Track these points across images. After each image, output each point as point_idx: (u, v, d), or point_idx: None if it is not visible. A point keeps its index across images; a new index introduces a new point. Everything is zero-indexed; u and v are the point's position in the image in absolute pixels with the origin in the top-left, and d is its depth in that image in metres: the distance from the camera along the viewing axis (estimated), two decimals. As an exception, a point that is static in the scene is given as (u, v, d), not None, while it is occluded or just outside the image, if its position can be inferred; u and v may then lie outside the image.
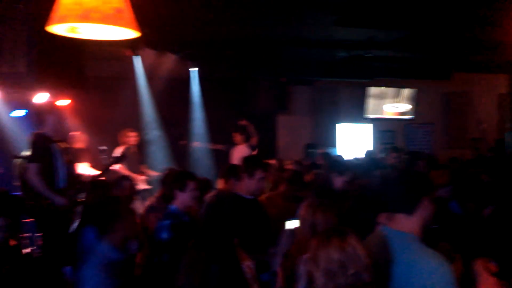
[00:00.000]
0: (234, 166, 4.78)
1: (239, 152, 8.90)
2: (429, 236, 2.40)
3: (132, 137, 7.87)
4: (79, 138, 7.52)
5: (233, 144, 9.04)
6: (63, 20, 2.44)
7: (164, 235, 3.44)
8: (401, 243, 2.30)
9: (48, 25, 2.62)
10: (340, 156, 7.62)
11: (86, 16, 2.36)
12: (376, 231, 2.53)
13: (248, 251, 3.11)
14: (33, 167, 4.61)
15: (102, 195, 3.85)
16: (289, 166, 7.38)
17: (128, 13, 2.56)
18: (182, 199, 3.65)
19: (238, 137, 9.13)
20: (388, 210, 3.01)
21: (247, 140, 9.02)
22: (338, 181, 4.51)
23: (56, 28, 2.65)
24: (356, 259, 2.03)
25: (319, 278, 2.06)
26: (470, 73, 11.56)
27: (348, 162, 6.57)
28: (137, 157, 7.94)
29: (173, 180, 3.73)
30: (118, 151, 7.65)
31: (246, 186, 3.99)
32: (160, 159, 8.84)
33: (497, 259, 2.52)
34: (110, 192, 4.00)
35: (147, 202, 5.24)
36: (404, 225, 2.34)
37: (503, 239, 2.53)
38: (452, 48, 8.71)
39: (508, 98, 10.87)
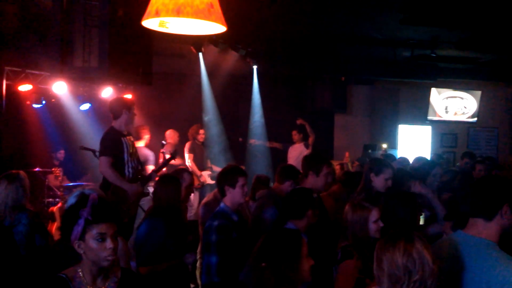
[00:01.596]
0: (290, 166, 4.79)
1: (296, 151, 8.94)
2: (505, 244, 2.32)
3: (201, 134, 8.09)
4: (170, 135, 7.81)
5: (290, 142, 9.06)
6: (157, 14, 2.50)
7: (213, 237, 3.44)
8: (477, 249, 2.24)
9: (143, 19, 2.68)
10: (404, 159, 7.38)
11: (179, 11, 2.41)
12: (449, 237, 2.47)
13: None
14: (105, 160, 4.82)
15: (173, 189, 3.92)
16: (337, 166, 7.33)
17: (218, 8, 2.60)
18: (232, 196, 3.63)
19: (296, 136, 9.15)
20: (451, 219, 2.93)
21: (304, 139, 9.03)
22: (378, 181, 4.26)
23: (149, 23, 2.71)
24: (422, 265, 1.98)
25: (385, 282, 2.04)
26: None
27: (405, 164, 6.35)
28: (203, 153, 8.13)
29: (223, 176, 3.71)
30: (186, 147, 7.88)
31: (313, 183, 4.01)
32: (220, 156, 8.97)
33: None
34: (180, 187, 4.07)
35: (204, 199, 5.34)
36: (482, 231, 2.27)
37: None
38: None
39: None
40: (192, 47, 7.59)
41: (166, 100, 9.08)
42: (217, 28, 2.78)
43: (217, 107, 9.26)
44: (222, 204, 3.64)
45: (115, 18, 5.46)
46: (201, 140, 8.13)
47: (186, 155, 7.91)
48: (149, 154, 7.50)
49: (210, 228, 3.48)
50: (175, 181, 4.01)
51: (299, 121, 9.04)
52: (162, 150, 6.52)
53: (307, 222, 3.43)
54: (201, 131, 8.14)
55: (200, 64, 8.67)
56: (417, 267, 1.97)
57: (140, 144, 7.46)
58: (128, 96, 7.37)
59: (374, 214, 3.04)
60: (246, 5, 6.09)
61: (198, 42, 7.48)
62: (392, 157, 7.07)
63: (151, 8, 2.51)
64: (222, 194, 3.66)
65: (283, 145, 9.18)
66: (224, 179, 3.65)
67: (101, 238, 2.07)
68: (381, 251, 2.07)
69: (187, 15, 2.44)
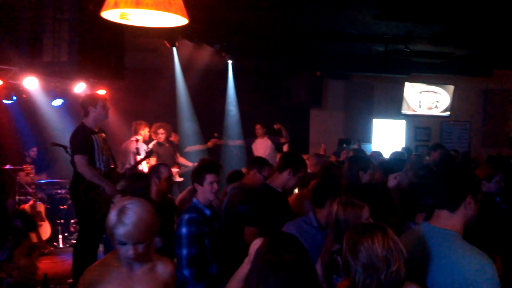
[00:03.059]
0: (259, 158, 4.94)
1: (262, 145, 8.97)
2: (469, 234, 2.36)
3: (160, 134, 7.90)
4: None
5: (253, 137, 9.11)
6: (116, 5, 2.46)
7: (183, 230, 3.46)
8: (442, 240, 2.28)
9: (102, 10, 2.64)
10: (377, 153, 7.49)
11: (138, 2, 2.38)
12: (415, 228, 2.51)
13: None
14: (81, 159, 4.78)
15: (140, 186, 3.90)
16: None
17: (179, 0, 2.56)
18: (202, 193, 3.65)
19: (259, 130, 9.17)
20: (423, 210, 2.98)
21: (268, 132, 9.09)
22: (364, 178, 4.42)
23: (108, 14, 2.67)
24: (399, 255, 2.00)
25: (358, 272, 2.03)
26: (510, 70, 11.23)
27: (379, 158, 6.46)
28: (170, 151, 8.01)
29: (192, 173, 3.73)
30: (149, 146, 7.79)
31: (286, 181, 4.06)
32: (195, 151, 8.91)
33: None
34: (149, 183, 4.06)
35: (179, 195, 5.33)
36: (446, 222, 2.31)
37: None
38: (493, 44, 8.46)
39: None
40: (166, 42, 7.50)
41: (140, 95, 9.00)
42: (179, 20, 2.75)
43: (192, 102, 9.20)
44: (195, 200, 3.67)
45: (85, 12, 5.36)
46: (162, 140, 7.90)
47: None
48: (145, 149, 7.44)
49: (180, 221, 3.51)
50: (143, 178, 3.99)
51: (276, 126, 9.06)
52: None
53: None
54: (160, 131, 7.89)
55: (174, 59, 8.58)
56: (395, 257, 1.99)
57: (139, 138, 7.49)
58: (102, 91, 7.28)
59: (365, 212, 2.97)
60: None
61: (172, 36, 7.40)
62: (363, 152, 7.19)
63: (110, -1, 2.47)
64: (194, 190, 3.70)
65: (245, 141, 9.22)
66: (193, 177, 3.70)
67: None
68: (358, 242, 2.04)
69: (146, 6, 2.41)
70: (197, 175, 3.66)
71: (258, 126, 9.15)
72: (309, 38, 8.67)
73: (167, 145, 7.97)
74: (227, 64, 9.57)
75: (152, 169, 4.43)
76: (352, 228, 2.18)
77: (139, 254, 2.27)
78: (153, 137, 7.92)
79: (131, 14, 2.64)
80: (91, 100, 5.07)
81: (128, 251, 2.25)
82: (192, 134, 9.25)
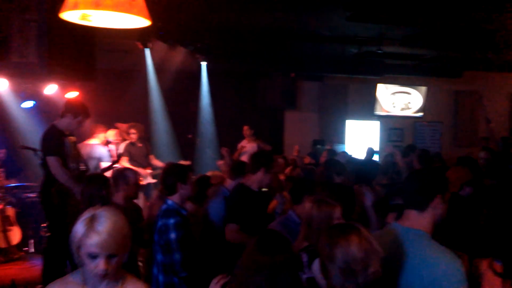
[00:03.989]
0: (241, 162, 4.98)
1: (248, 145, 8.93)
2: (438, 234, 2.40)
3: (132, 134, 7.80)
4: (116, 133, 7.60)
5: (241, 138, 9.08)
6: (75, 6, 2.41)
7: (172, 235, 3.41)
8: (411, 240, 2.29)
9: (61, 11, 2.59)
10: (345, 153, 7.57)
11: (98, 3, 2.34)
12: (385, 229, 2.52)
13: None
14: (55, 161, 4.69)
15: (95, 188, 3.83)
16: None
17: (140, 1, 2.53)
18: (184, 191, 3.65)
19: (247, 131, 9.16)
20: (395, 210, 3.00)
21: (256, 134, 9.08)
22: (339, 180, 4.60)
23: (69, 15, 2.62)
24: (375, 255, 1.98)
25: (336, 276, 1.99)
26: (481, 72, 11.47)
27: (350, 161, 6.54)
28: (143, 151, 7.92)
29: (175, 173, 3.70)
30: (121, 148, 7.71)
31: (261, 180, 4.13)
32: (167, 152, 8.83)
33: (502, 259, 2.51)
34: (109, 186, 3.98)
35: (153, 198, 5.26)
36: (415, 222, 2.33)
37: (507, 239, 2.51)
38: (463, 46, 8.62)
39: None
40: (138, 43, 7.43)
41: (113, 97, 8.87)
42: (141, 21, 2.71)
43: (165, 104, 9.12)
44: (169, 201, 3.61)
45: (55, 12, 5.24)
46: (134, 140, 7.79)
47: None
48: (104, 151, 7.31)
49: (167, 226, 3.45)
50: (99, 180, 3.92)
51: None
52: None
53: None
54: (132, 131, 7.79)
55: (147, 60, 8.49)
56: (372, 259, 1.97)
57: (95, 141, 7.35)
58: (74, 93, 7.17)
59: (337, 211, 2.99)
60: (192, 0, 6.03)
61: (145, 37, 7.34)
62: (335, 153, 7.30)
63: (69, 0, 2.42)
64: (173, 191, 3.62)
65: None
66: (176, 176, 3.65)
67: None
68: (333, 246, 2.00)
69: (107, 7, 2.36)
70: (181, 174, 3.66)
71: (246, 127, 9.14)
72: (283, 40, 8.70)
73: (140, 145, 7.87)
74: (200, 65, 9.52)
75: (119, 174, 4.32)
76: (326, 231, 2.15)
77: (110, 270, 1.96)
78: (125, 137, 7.83)
79: (92, 15, 2.59)
80: (75, 110, 5.01)
81: (99, 265, 1.94)
82: (165, 136, 9.17)
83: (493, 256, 2.55)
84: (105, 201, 3.74)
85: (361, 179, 4.72)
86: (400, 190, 2.48)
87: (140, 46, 7.54)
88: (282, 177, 5.97)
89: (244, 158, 8.12)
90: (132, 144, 7.77)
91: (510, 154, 7.25)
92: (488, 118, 9.77)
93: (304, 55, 9.96)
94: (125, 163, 7.56)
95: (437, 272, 2.12)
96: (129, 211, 3.92)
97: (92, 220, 1.96)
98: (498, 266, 2.50)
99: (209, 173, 5.76)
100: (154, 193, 5.15)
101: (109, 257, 1.96)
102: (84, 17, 2.59)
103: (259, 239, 2.02)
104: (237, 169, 4.80)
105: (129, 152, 7.63)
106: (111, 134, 7.60)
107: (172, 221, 3.44)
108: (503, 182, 5.12)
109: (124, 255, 2.05)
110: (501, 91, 12.00)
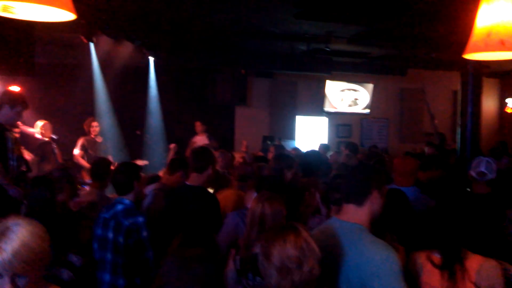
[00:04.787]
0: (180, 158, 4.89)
1: (200, 142, 8.89)
2: (377, 227, 2.45)
3: (94, 127, 7.69)
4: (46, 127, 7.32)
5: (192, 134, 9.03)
6: (-5, -2, 2.28)
7: (144, 233, 3.34)
8: (350, 234, 2.33)
9: None
10: (297, 149, 7.65)
11: (19, -6, 2.22)
12: (325, 223, 2.55)
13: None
14: None
15: (45, 190, 3.68)
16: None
17: (65, -7, 2.42)
18: (137, 191, 3.59)
19: (199, 127, 9.11)
20: (337, 203, 3.04)
21: (208, 130, 9.04)
22: (288, 175, 4.64)
23: (-12, 7, 2.47)
24: (311, 254, 2.01)
25: (273, 275, 2.01)
26: (425, 70, 11.86)
27: (298, 155, 6.62)
28: (98, 148, 7.75)
29: (133, 171, 3.63)
30: (79, 142, 7.52)
31: (203, 180, 4.04)
32: (114, 149, 8.62)
33: (440, 250, 2.59)
34: (55, 187, 3.83)
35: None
36: (354, 216, 2.37)
37: (445, 231, 2.59)
38: (407, 44, 8.88)
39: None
40: (82, 37, 7.20)
41: (56, 92, 8.59)
42: (65, 15, 2.61)
43: (111, 99, 8.90)
44: (126, 200, 3.50)
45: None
46: (94, 134, 7.72)
47: (76, 151, 7.56)
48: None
49: (137, 225, 3.36)
50: (44, 183, 3.77)
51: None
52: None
53: None
54: (94, 124, 7.73)
55: (91, 55, 8.24)
56: (308, 257, 1.99)
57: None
58: (15, 88, 6.91)
59: (283, 208, 2.99)
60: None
61: (89, 31, 7.12)
62: (283, 148, 7.37)
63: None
64: (128, 189, 3.54)
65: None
66: (133, 175, 3.60)
67: None
68: (270, 245, 2.03)
69: (28, -1, 2.25)
70: (136, 172, 3.62)
71: (198, 123, 9.07)
72: (232, 36, 8.67)
73: (100, 140, 7.73)
74: (148, 60, 9.36)
75: (64, 173, 4.16)
76: (265, 232, 2.19)
77: None
78: (87, 130, 7.67)
79: (14, 7, 2.46)
80: (11, 100, 4.72)
81: (2, 285, 1.72)
82: (112, 132, 8.94)
83: (431, 248, 2.62)
84: (51, 205, 3.60)
85: (308, 172, 4.78)
86: (339, 185, 2.51)
87: (85, 40, 7.30)
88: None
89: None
90: (90, 139, 7.60)
91: (445, 150, 7.53)
92: (432, 115, 10.12)
93: (254, 51, 9.98)
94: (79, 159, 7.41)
95: (374, 264, 2.17)
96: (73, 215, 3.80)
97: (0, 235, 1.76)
98: (436, 258, 2.57)
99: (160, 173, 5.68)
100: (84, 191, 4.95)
101: (14, 277, 1.75)
102: (5, 9, 2.46)
103: (181, 235, 2.07)
104: (174, 165, 4.69)
105: (85, 147, 7.46)
106: (38, 125, 7.31)
107: (141, 219, 3.37)
108: (444, 175, 5.30)
109: (38, 277, 1.85)
110: (444, 89, 12.43)
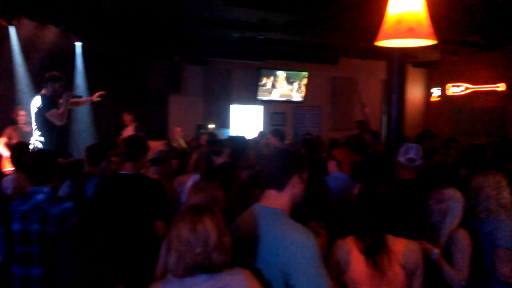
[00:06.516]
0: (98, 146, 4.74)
1: (129, 133, 8.68)
2: (300, 213, 2.48)
3: (21, 116, 7.46)
4: None
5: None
6: None
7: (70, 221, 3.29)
8: (270, 219, 2.34)
9: None
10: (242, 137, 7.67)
11: None
12: (248, 209, 2.55)
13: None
14: None
15: None
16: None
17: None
18: (56, 181, 3.53)
19: (127, 117, 8.90)
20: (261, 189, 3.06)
21: (136, 120, 8.86)
22: (219, 161, 4.64)
23: None
24: (206, 239, 2.02)
25: (173, 256, 2.05)
26: (355, 59, 12.15)
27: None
28: (28, 136, 7.41)
29: (53, 161, 3.51)
30: (6, 131, 7.19)
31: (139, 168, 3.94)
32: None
33: (367, 236, 2.65)
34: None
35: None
36: (274, 202, 2.38)
37: (370, 216, 2.65)
38: (338, 33, 9.05)
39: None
40: (1, 20, 6.77)
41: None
42: None
43: (35, 87, 8.43)
44: (45, 189, 3.39)
45: None
46: (21, 122, 7.46)
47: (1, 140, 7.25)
48: None
49: (67, 211, 3.33)
50: None
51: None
52: None
53: None
54: (21, 113, 7.49)
55: (11, 39, 7.76)
56: (200, 241, 2.01)
57: None
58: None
59: (220, 193, 2.99)
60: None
61: (9, 14, 6.71)
62: (214, 136, 7.37)
63: None
64: (48, 179, 3.43)
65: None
66: (54, 164, 3.53)
67: None
68: (172, 227, 2.09)
69: None
70: (55, 161, 3.54)
71: (125, 114, 8.85)
72: (164, 22, 8.48)
73: (28, 129, 7.38)
74: (75, 46, 8.97)
75: None
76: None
77: None
78: (15, 119, 7.45)
79: None
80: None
81: None
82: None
83: (358, 235, 2.67)
84: None
85: (235, 156, 4.78)
86: (260, 172, 2.51)
87: (4, 23, 6.89)
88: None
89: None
90: (19, 127, 7.29)
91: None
92: (363, 103, 10.40)
93: (188, 38, 9.83)
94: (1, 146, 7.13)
95: (292, 248, 2.19)
96: None
97: None
98: (362, 244, 2.63)
99: None
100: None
101: None
102: None
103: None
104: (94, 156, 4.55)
105: (11, 135, 7.16)
106: None
107: (69, 204, 3.34)
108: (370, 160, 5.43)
109: None
110: (374, 78, 12.80)
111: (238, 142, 5.06)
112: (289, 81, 12.02)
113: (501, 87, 11.36)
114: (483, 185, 3.48)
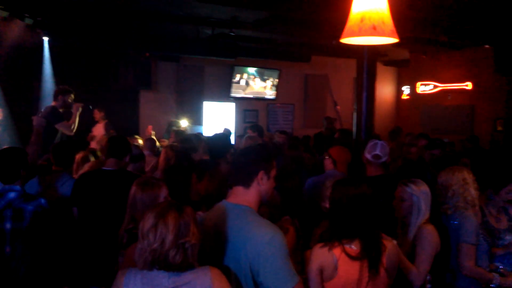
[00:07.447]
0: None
1: (99, 130, 8.58)
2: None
3: None
4: None
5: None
6: None
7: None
8: (237, 215, 2.34)
9: None
10: (200, 134, 7.61)
11: None
12: (216, 206, 2.53)
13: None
14: None
15: None
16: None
17: None
18: (23, 179, 3.46)
19: (97, 114, 8.77)
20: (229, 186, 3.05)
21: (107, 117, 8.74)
22: (195, 158, 4.63)
23: None
24: (163, 237, 2.02)
25: (137, 247, 2.09)
26: (327, 57, 12.22)
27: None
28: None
29: (20, 159, 3.46)
30: None
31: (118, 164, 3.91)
32: (3, 136, 8.00)
33: (360, 239, 2.60)
34: None
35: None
36: (241, 198, 2.38)
37: (357, 221, 2.60)
38: (309, 31, 9.07)
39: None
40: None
41: None
42: None
43: (1, 81, 8.20)
44: (16, 187, 3.35)
45: None
46: None
47: None
48: None
49: (42, 207, 3.36)
50: None
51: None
52: None
53: None
54: None
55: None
56: (157, 238, 2.01)
57: None
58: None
59: (164, 190, 2.97)
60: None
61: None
62: (183, 133, 7.33)
63: None
64: (16, 177, 3.40)
65: None
66: (22, 162, 3.50)
67: None
68: (142, 218, 2.11)
69: None
70: (24, 161, 3.51)
71: (96, 111, 8.70)
72: (137, 18, 8.37)
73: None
74: (43, 41, 8.75)
75: None
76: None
77: None
78: None
79: None
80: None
81: None
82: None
83: (348, 237, 2.60)
84: None
85: (215, 153, 4.74)
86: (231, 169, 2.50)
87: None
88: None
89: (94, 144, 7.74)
90: None
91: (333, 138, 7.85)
92: (335, 101, 10.48)
93: (159, 34, 9.72)
94: None
95: (259, 245, 2.19)
96: None
97: None
98: (351, 250, 2.57)
99: None
100: None
101: None
102: None
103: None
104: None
105: None
106: None
107: (43, 200, 3.33)
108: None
109: None
110: (345, 76, 12.90)
111: (219, 139, 5.05)
112: (262, 78, 12.03)
113: (468, 85, 11.60)
114: (450, 182, 3.54)
